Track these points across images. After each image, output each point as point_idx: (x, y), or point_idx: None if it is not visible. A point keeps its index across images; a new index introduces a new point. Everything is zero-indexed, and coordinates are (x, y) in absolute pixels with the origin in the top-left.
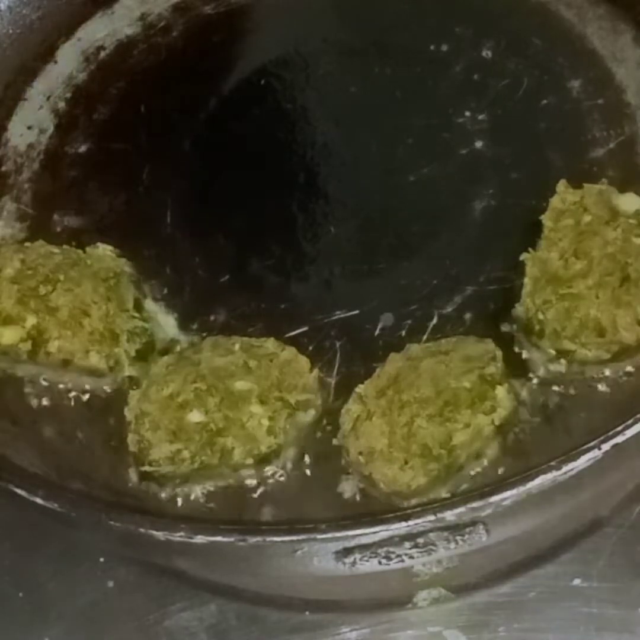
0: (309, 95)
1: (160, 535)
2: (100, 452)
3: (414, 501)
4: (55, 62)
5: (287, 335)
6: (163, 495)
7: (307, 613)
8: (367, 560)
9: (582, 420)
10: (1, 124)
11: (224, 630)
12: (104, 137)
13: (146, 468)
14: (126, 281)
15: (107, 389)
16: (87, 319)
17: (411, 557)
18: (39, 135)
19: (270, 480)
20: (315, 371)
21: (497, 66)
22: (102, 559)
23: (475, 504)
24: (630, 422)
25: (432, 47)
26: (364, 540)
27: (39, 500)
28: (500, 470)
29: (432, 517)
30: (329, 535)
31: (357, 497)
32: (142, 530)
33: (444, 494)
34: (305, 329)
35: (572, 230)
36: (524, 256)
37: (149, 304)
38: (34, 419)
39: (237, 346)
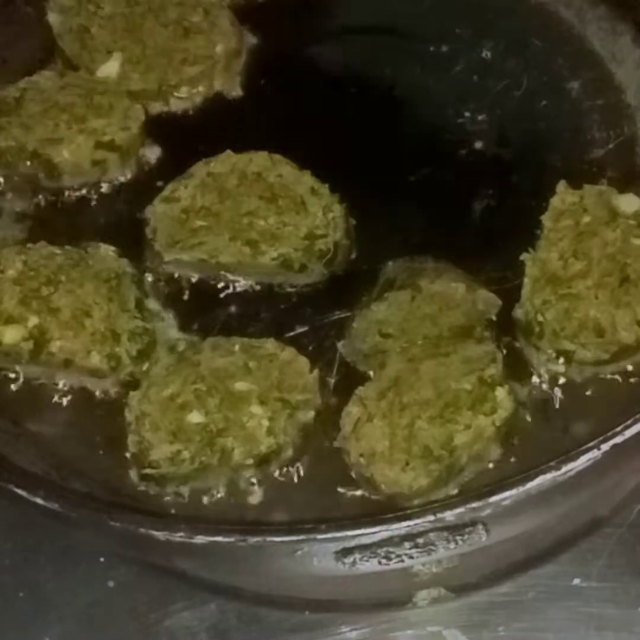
0: (309, 95)
1: (160, 535)
2: (100, 452)
3: (415, 502)
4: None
5: (287, 335)
6: (163, 495)
7: (307, 613)
8: (367, 560)
9: (582, 420)
10: None
11: (224, 630)
12: None
13: (146, 469)
14: (127, 281)
15: (108, 389)
16: (88, 319)
17: (411, 557)
18: None
19: (270, 480)
20: (315, 371)
21: (497, 66)
22: (102, 559)
23: (475, 504)
24: (629, 422)
25: (432, 48)
26: (364, 540)
27: (39, 501)
28: (501, 471)
29: (431, 517)
30: (329, 535)
31: (357, 498)
32: (142, 530)
33: (444, 494)
34: (305, 329)
35: (571, 231)
36: (524, 256)
37: (150, 304)
38: (34, 419)
39: (237, 347)
